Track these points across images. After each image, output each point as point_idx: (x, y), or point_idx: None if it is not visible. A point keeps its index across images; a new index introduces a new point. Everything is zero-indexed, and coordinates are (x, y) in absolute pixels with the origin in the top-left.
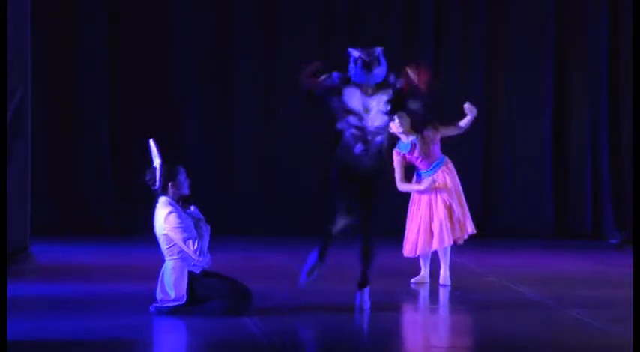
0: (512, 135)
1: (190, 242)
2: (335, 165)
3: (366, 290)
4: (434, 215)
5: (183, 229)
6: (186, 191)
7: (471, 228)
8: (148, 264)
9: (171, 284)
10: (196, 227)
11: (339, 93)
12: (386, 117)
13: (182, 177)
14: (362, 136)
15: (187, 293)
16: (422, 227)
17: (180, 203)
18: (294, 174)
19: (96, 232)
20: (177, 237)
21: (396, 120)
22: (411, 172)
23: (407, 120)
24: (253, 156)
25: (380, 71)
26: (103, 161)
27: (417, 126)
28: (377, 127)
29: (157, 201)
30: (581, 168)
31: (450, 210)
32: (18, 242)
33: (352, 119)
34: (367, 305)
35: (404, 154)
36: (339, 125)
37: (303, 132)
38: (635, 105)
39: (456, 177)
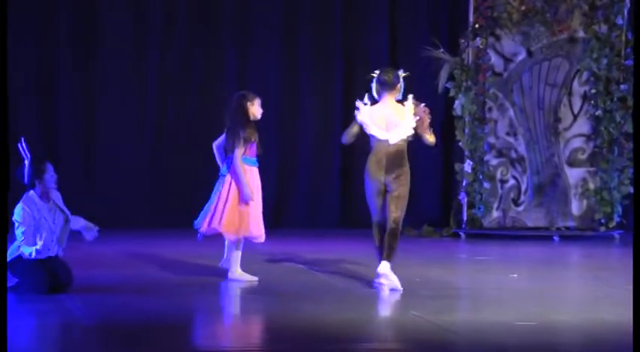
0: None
1: (19, 232)
2: (366, 171)
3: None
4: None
5: (20, 224)
6: (52, 185)
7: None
8: None
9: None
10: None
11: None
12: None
13: (49, 174)
14: (387, 145)
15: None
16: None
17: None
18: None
19: None
20: (16, 226)
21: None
22: None
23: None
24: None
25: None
26: None
27: None
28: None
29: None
30: None
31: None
32: None
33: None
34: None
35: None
36: (369, 136)
37: None
38: (635, 104)
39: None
